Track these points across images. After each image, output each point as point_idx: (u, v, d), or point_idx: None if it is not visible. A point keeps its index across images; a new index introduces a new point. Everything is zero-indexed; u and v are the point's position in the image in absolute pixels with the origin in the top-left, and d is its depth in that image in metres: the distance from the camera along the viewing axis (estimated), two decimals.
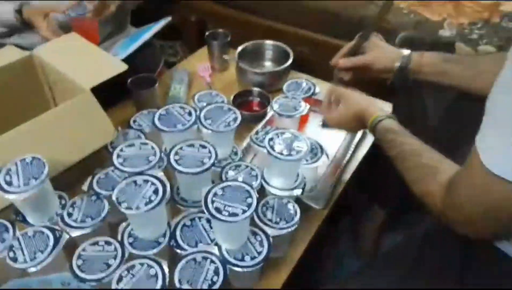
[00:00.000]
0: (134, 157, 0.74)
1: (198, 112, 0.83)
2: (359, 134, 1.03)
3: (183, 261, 0.65)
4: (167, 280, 0.63)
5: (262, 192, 0.79)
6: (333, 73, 0.94)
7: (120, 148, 0.75)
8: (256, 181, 0.79)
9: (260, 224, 0.72)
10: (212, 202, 0.65)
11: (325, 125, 0.93)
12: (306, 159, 0.83)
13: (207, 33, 1.27)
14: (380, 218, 1.24)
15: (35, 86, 0.98)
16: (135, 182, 0.68)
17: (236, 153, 0.88)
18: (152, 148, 0.76)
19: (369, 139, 1.03)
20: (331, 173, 0.94)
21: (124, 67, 0.87)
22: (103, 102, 0.84)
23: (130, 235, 0.70)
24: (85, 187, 0.79)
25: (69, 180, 0.81)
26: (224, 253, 0.68)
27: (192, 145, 0.75)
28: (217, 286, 0.63)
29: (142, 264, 0.64)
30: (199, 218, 0.73)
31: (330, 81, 0.96)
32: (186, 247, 0.69)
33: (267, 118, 1.01)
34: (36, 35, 1.11)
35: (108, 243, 0.68)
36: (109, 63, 0.91)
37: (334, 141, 1.02)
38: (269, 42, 1.28)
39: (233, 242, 0.68)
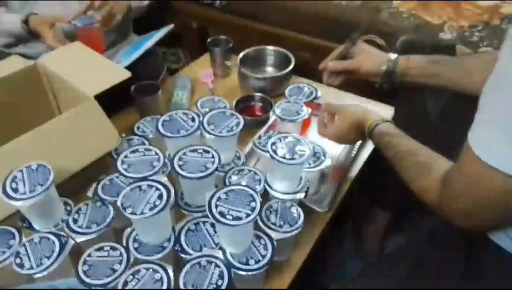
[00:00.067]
0: (138, 163, 0.75)
1: (201, 118, 0.84)
2: None
3: (188, 266, 0.66)
4: (172, 284, 0.63)
5: (265, 196, 0.79)
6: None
7: (125, 154, 0.76)
8: (260, 185, 0.79)
9: (264, 228, 0.73)
10: (216, 206, 0.65)
11: None
12: (309, 163, 0.84)
13: (209, 40, 1.28)
14: (383, 220, 1.24)
15: (40, 95, 1.00)
16: (139, 187, 0.68)
17: (239, 158, 0.89)
18: (156, 154, 0.77)
19: (371, 142, 1.03)
20: (334, 176, 0.94)
21: (127, 74, 0.88)
22: (107, 110, 0.85)
23: (135, 240, 0.71)
24: (90, 193, 0.79)
25: (74, 186, 0.81)
26: (229, 257, 0.68)
27: (195, 150, 0.76)
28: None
29: (147, 269, 0.65)
30: (203, 222, 0.74)
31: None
32: (190, 251, 0.69)
33: (269, 122, 1.02)
34: (41, 44, 1.13)
35: (113, 248, 0.69)
36: (112, 71, 0.92)
37: (336, 144, 1.02)
38: (270, 47, 1.29)
39: (237, 246, 0.69)
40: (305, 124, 1.00)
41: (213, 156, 0.75)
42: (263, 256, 0.68)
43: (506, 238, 0.63)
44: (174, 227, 0.73)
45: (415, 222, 1.26)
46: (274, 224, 0.74)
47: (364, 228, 1.28)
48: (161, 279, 0.64)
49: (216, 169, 0.72)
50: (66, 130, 0.81)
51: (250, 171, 0.83)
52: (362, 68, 0.90)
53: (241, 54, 1.25)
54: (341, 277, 1.21)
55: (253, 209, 0.65)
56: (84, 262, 0.66)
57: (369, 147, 1.03)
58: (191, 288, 0.63)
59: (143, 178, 0.71)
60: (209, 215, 0.64)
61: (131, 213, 0.64)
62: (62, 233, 0.71)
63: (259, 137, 0.92)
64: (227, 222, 0.63)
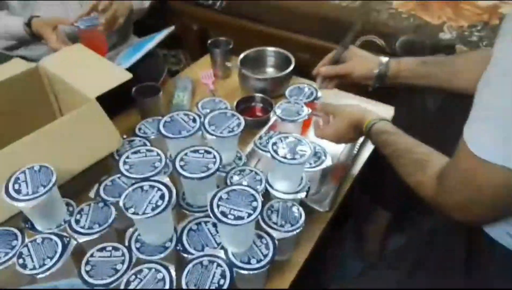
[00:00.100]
0: (140, 164, 0.75)
1: (202, 119, 0.84)
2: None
3: (190, 265, 0.66)
4: (175, 284, 0.63)
5: (266, 196, 0.80)
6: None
7: (126, 155, 0.77)
8: (261, 185, 0.79)
9: (266, 227, 0.73)
10: (218, 206, 0.66)
11: None
12: (309, 163, 0.84)
13: (209, 41, 1.29)
14: (384, 219, 1.24)
15: (42, 97, 1.00)
16: (141, 188, 0.69)
17: (240, 158, 0.89)
18: (158, 154, 0.78)
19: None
20: (335, 176, 0.95)
21: (128, 76, 0.89)
22: (108, 111, 0.85)
23: (137, 241, 0.71)
24: (92, 194, 0.80)
25: (76, 188, 0.82)
26: (230, 256, 0.68)
27: (197, 151, 0.76)
28: (224, 289, 0.63)
29: (149, 269, 0.65)
30: (205, 222, 0.74)
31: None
32: (192, 251, 0.69)
33: (270, 123, 1.02)
34: (42, 46, 1.13)
35: (115, 248, 0.69)
36: (113, 73, 0.92)
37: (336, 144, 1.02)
38: (270, 48, 1.29)
39: (239, 245, 0.69)
40: (306, 124, 1.01)
41: (214, 157, 0.75)
42: (265, 256, 0.69)
43: (507, 236, 0.63)
44: (176, 227, 0.73)
45: (416, 222, 1.26)
46: (275, 223, 0.74)
47: (364, 228, 1.28)
48: (163, 279, 0.64)
49: (218, 169, 0.73)
50: (68, 131, 0.81)
51: (251, 171, 0.83)
52: (355, 72, 0.91)
53: (241, 55, 1.25)
54: (341, 277, 1.21)
55: (254, 209, 0.65)
56: (87, 262, 0.67)
57: (370, 146, 1.03)
58: (193, 287, 0.63)
59: (145, 179, 0.71)
60: (211, 215, 0.64)
61: (133, 213, 0.65)
62: (65, 234, 0.71)
63: (260, 138, 0.92)
64: (229, 221, 0.63)
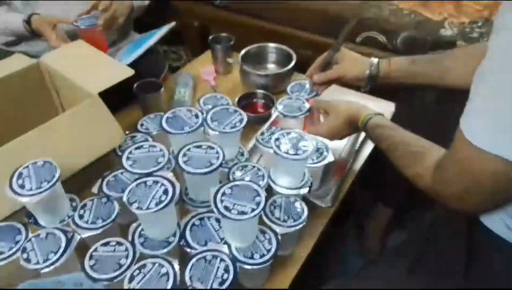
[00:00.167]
0: (143, 159, 0.75)
1: (204, 115, 0.84)
2: (363, 133, 1.04)
3: (194, 260, 0.66)
4: (178, 278, 0.63)
5: (269, 191, 0.80)
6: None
7: (129, 150, 0.77)
8: (263, 181, 0.80)
9: (269, 223, 0.73)
10: (221, 201, 0.66)
11: None
12: (312, 159, 0.84)
13: (210, 37, 1.29)
14: (386, 216, 1.25)
15: (43, 93, 1.00)
16: (145, 183, 0.69)
17: (242, 154, 0.89)
18: (161, 150, 0.78)
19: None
20: (337, 172, 0.95)
21: (130, 72, 0.89)
22: (109, 107, 0.85)
23: (140, 235, 0.71)
24: (95, 189, 0.80)
25: (79, 183, 0.82)
26: (234, 251, 0.69)
27: (199, 146, 0.76)
28: (227, 283, 0.64)
29: (153, 263, 0.65)
30: (208, 217, 0.74)
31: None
32: (196, 246, 0.70)
33: (272, 119, 1.02)
34: (43, 42, 1.13)
35: (119, 243, 0.69)
36: (115, 69, 0.92)
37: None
38: (272, 45, 1.30)
39: (242, 240, 0.69)
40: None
41: (217, 152, 0.75)
42: (268, 251, 0.69)
43: (505, 227, 0.63)
44: (179, 222, 0.73)
45: (416, 218, 1.27)
46: (278, 219, 0.74)
47: (365, 224, 1.29)
48: (167, 274, 0.64)
49: (221, 165, 0.73)
50: (71, 127, 0.81)
51: (253, 167, 0.83)
52: (347, 74, 0.93)
53: (242, 51, 1.25)
54: (343, 273, 1.22)
55: (258, 204, 0.65)
56: (91, 257, 0.67)
57: (371, 143, 1.03)
58: (197, 282, 0.63)
59: (148, 174, 0.71)
60: (215, 210, 0.65)
61: (137, 208, 0.65)
62: (68, 229, 0.71)
63: (262, 134, 0.92)
64: (233, 216, 0.64)
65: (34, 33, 1.10)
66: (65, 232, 0.70)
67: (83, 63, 0.96)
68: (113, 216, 0.74)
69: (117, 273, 0.65)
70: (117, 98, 0.91)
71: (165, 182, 0.69)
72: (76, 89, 0.88)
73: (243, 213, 0.64)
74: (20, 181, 0.69)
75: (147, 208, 0.65)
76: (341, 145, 1.02)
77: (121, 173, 0.82)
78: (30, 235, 0.70)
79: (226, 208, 0.65)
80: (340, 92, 1.16)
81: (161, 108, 1.05)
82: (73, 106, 0.83)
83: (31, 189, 0.68)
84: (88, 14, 1.10)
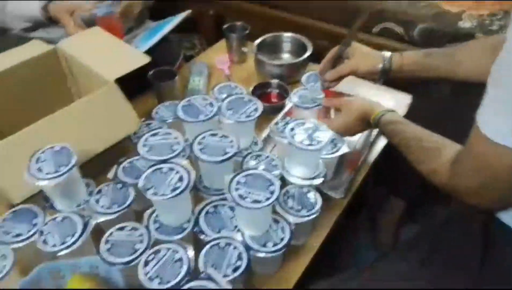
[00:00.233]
0: (158, 146, 0.76)
1: (219, 103, 0.84)
2: None
3: (208, 246, 0.67)
4: (193, 264, 0.64)
5: (282, 181, 0.80)
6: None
7: (145, 137, 0.77)
8: (277, 171, 0.80)
9: (282, 212, 0.73)
10: (236, 189, 0.66)
11: None
12: (326, 149, 0.84)
13: (225, 26, 1.28)
14: (398, 209, 1.24)
15: (60, 79, 1.01)
16: (160, 170, 0.70)
17: (256, 144, 0.90)
18: (176, 137, 0.78)
19: None
20: (351, 164, 0.95)
21: (147, 59, 0.89)
22: (125, 94, 0.86)
23: (155, 221, 0.72)
24: (110, 175, 0.81)
25: (95, 169, 0.83)
26: (247, 239, 0.69)
27: (215, 135, 0.77)
28: (240, 270, 0.64)
29: (168, 249, 0.66)
30: (222, 205, 0.75)
31: None
32: (210, 233, 0.70)
33: (286, 109, 1.02)
34: (60, 29, 1.13)
35: (134, 228, 0.70)
36: (131, 56, 0.93)
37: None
38: (287, 34, 1.29)
39: (256, 228, 0.70)
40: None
41: (232, 141, 0.75)
42: (281, 239, 0.69)
43: None
44: (193, 209, 0.74)
45: (429, 212, 1.26)
46: (291, 208, 0.75)
47: (378, 217, 1.28)
48: (181, 259, 0.65)
49: (236, 153, 0.73)
50: (88, 113, 0.82)
51: (267, 157, 0.84)
52: (359, 69, 0.92)
53: (257, 41, 1.24)
54: (355, 265, 1.22)
55: (272, 193, 0.66)
56: (106, 241, 0.68)
57: None
58: (211, 268, 0.64)
59: (164, 161, 0.72)
60: (229, 198, 0.65)
61: (153, 194, 0.65)
62: (84, 213, 0.72)
63: (276, 123, 0.92)
64: (247, 205, 0.64)
65: (51, 20, 1.11)
66: (81, 217, 0.71)
67: (100, 49, 0.96)
68: (128, 202, 0.75)
69: (132, 257, 0.66)
70: (132, 85, 0.91)
71: (181, 169, 0.69)
72: (92, 76, 0.89)
73: (257, 201, 0.64)
74: (38, 165, 0.70)
75: (163, 195, 0.65)
76: (356, 137, 1.01)
77: (137, 159, 0.83)
78: (47, 218, 0.72)
79: (240, 196, 0.65)
80: (356, 84, 1.14)
81: (176, 97, 1.05)
82: (90, 92, 0.84)
83: (48, 173, 0.69)
84: (103, 3, 1.10)
